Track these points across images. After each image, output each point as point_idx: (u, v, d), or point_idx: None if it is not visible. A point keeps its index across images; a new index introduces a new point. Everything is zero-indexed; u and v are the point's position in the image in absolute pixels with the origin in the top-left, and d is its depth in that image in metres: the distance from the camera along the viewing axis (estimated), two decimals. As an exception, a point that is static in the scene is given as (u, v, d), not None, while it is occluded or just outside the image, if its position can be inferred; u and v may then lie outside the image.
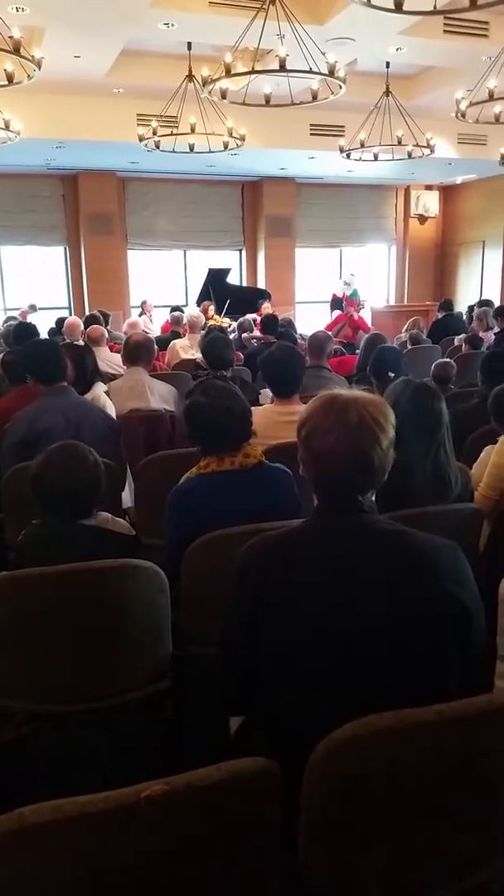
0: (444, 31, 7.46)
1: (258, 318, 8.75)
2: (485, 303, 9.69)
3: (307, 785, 1.20)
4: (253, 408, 2.53)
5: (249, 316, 8.95)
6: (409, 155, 8.73)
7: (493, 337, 7.35)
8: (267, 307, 10.17)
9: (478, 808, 1.30)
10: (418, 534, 1.46)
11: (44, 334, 7.59)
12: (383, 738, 1.18)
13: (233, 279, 12.53)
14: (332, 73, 6.05)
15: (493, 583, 2.05)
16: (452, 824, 1.29)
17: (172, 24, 7.13)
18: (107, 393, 3.90)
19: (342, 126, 9.67)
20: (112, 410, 3.73)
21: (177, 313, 8.76)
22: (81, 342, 5.72)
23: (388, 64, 8.26)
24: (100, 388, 3.81)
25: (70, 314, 10.82)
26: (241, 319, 8.73)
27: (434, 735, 1.19)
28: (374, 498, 1.52)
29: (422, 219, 14.97)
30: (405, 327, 8.68)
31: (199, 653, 2.10)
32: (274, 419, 2.95)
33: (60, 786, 1.89)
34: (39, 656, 1.90)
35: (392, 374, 3.27)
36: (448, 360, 5.57)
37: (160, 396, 4.21)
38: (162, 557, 2.25)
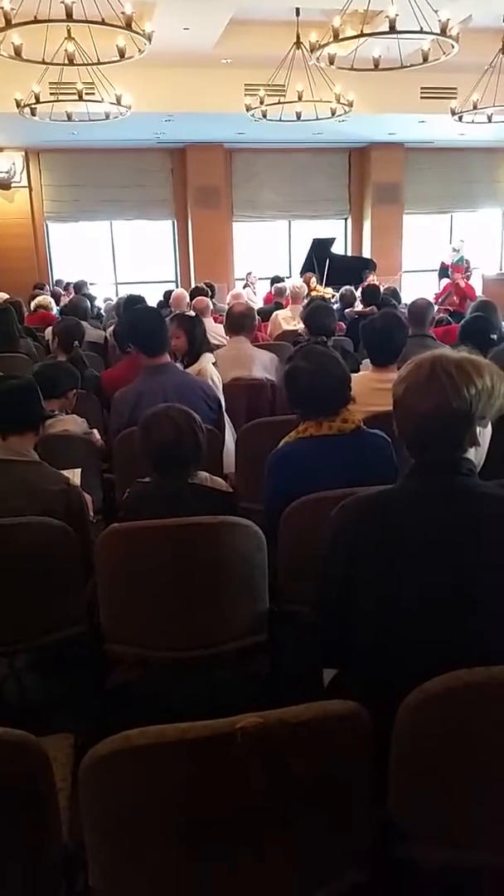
0: None
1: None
2: None
3: (398, 733, 1.25)
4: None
5: (351, 287, 8.83)
6: (526, 115, 8.33)
7: None
8: (372, 278, 10.01)
9: None
10: None
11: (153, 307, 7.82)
12: (473, 693, 1.21)
13: (337, 249, 12.39)
14: (444, 31, 5.85)
15: None
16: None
17: (281, -11, 7.06)
18: (215, 364, 3.97)
19: (454, 88, 9.32)
20: (219, 380, 3.80)
21: (280, 284, 8.77)
22: (191, 313, 5.85)
23: (504, 18, 7.86)
24: (207, 360, 3.85)
25: (177, 287, 11.06)
26: (342, 290, 8.64)
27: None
28: (477, 461, 1.52)
29: (538, 181, 14.25)
30: (517, 295, 8.33)
31: (295, 611, 2.17)
32: (369, 386, 2.95)
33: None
34: (147, 605, 2.03)
35: (494, 337, 3.20)
36: None
37: (262, 365, 4.27)
38: (261, 519, 2.33)
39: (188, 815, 1.18)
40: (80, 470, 2.63)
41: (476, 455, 1.51)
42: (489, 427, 1.54)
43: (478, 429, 1.48)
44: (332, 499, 1.98)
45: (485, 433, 1.52)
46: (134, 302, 5.54)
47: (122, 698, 2.16)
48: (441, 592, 1.41)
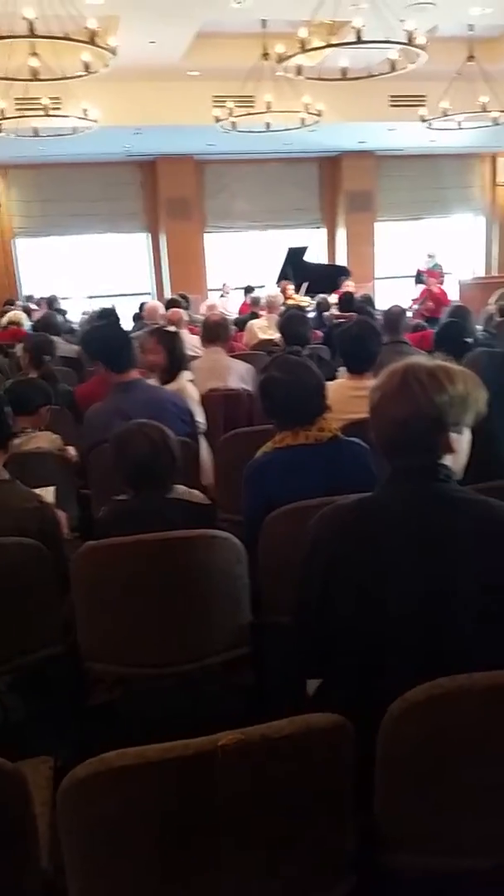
0: (531, -14, 7.15)
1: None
2: None
3: (381, 742, 1.24)
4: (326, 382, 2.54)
5: (325, 295, 8.88)
6: (495, 122, 8.43)
7: None
8: (349, 285, 10.07)
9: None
10: (497, 503, 1.46)
11: (128, 319, 7.81)
12: (455, 700, 1.20)
13: (312, 257, 12.46)
14: (410, 40, 5.92)
15: None
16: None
17: (246, 2, 7.10)
18: (192, 381, 3.87)
19: (423, 95, 9.42)
20: (197, 396, 3.73)
21: (255, 294, 8.79)
22: (172, 328, 5.81)
23: (471, 27, 7.99)
24: (185, 377, 3.75)
25: (153, 299, 11.05)
26: (317, 299, 8.69)
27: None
28: (457, 468, 1.52)
29: (510, 186, 14.44)
30: (493, 298, 8.40)
31: (277, 622, 2.15)
32: (346, 394, 2.96)
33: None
34: (126, 622, 2.00)
35: (470, 341, 3.24)
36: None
37: (238, 375, 4.27)
38: (241, 531, 2.31)
39: (170, 836, 1.16)
40: (53, 488, 2.59)
41: (455, 462, 1.51)
42: (467, 434, 1.54)
43: (453, 435, 1.48)
44: (310, 508, 1.97)
45: (461, 440, 1.52)
46: (104, 315, 5.51)
47: (104, 718, 2.13)
48: (421, 598, 1.40)
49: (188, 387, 3.70)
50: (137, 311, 8.45)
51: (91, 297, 12.21)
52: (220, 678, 2.16)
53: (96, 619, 2.03)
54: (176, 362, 3.70)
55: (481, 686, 1.19)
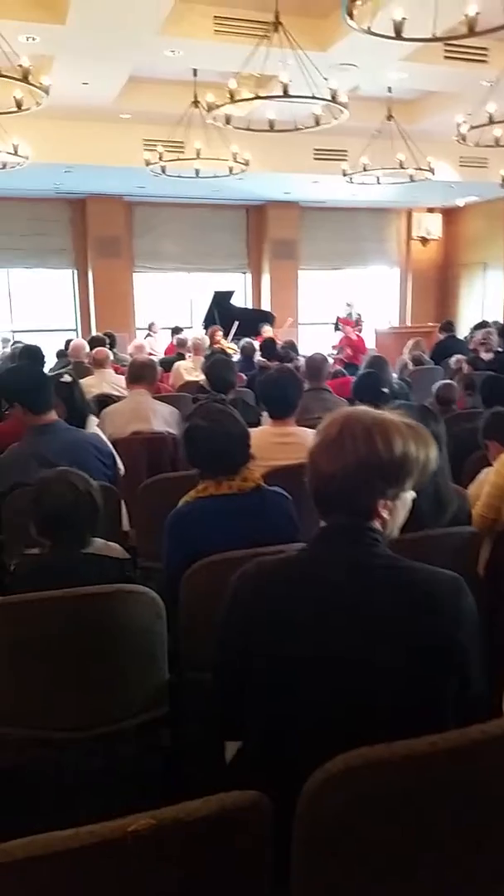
0: (445, 56, 7.56)
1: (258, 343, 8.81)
2: (482, 325, 9.68)
3: (300, 817, 1.18)
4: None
5: (250, 340, 8.98)
6: (411, 178, 8.82)
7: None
8: (267, 330, 10.20)
9: (473, 839, 1.27)
10: (421, 568, 1.41)
11: (51, 356, 7.67)
12: (375, 770, 1.16)
13: (238, 301, 12.61)
14: (334, 98, 6.13)
15: (494, 605, 2.03)
16: (448, 856, 1.26)
17: (178, 52, 7.25)
18: (99, 426, 3.74)
19: (345, 150, 9.77)
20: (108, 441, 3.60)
21: (181, 336, 8.80)
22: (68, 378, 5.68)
23: (389, 89, 8.37)
24: (92, 424, 3.61)
25: (78, 336, 10.91)
26: (242, 343, 8.77)
27: (427, 766, 1.17)
28: (388, 530, 1.46)
29: (424, 241, 15.08)
30: (407, 348, 8.70)
31: (198, 679, 2.08)
32: (269, 440, 2.95)
33: (60, 813, 1.86)
34: (34, 683, 1.89)
35: (386, 391, 3.33)
36: (451, 381, 5.57)
37: (163, 419, 4.21)
38: (161, 581, 2.25)
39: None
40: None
41: (387, 525, 1.44)
42: (408, 496, 1.47)
43: (384, 501, 1.40)
44: (234, 560, 1.93)
45: (397, 506, 1.45)
46: (25, 355, 5.36)
47: (10, 784, 1.99)
48: (335, 665, 1.35)
49: (98, 433, 3.57)
50: (63, 348, 8.32)
51: (14, 332, 11.97)
52: (136, 739, 2.07)
53: (4, 678, 1.91)
54: (77, 412, 3.54)
55: (400, 755, 1.16)
